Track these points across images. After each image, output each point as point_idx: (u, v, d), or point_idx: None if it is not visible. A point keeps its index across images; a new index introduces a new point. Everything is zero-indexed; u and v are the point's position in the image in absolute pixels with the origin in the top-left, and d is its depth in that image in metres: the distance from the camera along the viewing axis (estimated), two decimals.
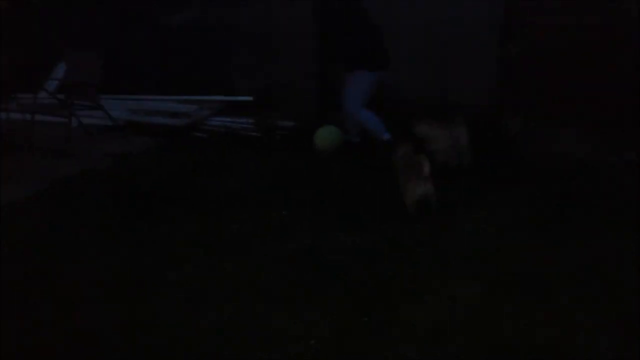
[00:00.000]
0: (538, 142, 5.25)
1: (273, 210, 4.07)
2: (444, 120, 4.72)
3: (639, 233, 3.58)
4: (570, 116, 5.36)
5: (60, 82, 6.48)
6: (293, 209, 4.09)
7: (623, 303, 2.93)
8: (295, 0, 6.06)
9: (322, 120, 5.59)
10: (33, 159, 5.22)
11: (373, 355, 2.59)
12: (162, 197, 4.30)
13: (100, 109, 5.67)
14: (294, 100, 6.29)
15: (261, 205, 4.19)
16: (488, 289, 3.07)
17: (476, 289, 3.08)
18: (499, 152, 5.15)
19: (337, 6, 5.12)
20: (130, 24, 7.13)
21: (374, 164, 4.86)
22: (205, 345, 2.67)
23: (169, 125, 6.19)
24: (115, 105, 6.51)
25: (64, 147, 5.30)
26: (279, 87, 6.31)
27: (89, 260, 3.43)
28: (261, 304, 2.98)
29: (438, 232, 3.73)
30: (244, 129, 5.95)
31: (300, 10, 6.00)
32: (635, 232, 3.60)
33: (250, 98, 6.49)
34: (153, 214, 4.01)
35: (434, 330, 2.74)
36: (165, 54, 7.06)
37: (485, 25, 5.76)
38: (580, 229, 3.73)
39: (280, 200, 4.26)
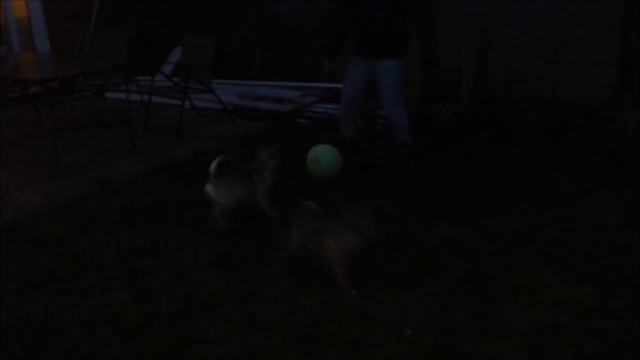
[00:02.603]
0: None
1: (370, 199, 4.10)
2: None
3: None
4: None
5: (176, 65, 6.86)
6: (391, 198, 4.11)
7: None
8: None
9: (423, 113, 5.53)
10: (148, 139, 5.58)
11: (469, 351, 2.56)
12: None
13: (212, 93, 5.92)
14: None
15: (359, 193, 4.23)
16: (592, 289, 2.93)
17: (580, 288, 2.95)
18: (615, 149, 4.88)
19: None
20: (238, 10, 7.38)
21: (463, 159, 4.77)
22: (300, 328, 2.75)
23: (274, 110, 6.38)
24: (224, 89, 6.80)
25: (177, 128, 5.60)
26: None
27: (189, 236, 3.65)
28: (357, 289, 3.03)
29: (542, 228, 3.60)
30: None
31: None
32: None
33: None
34: None
35: (535, 331, 2.66)
36: (271, 40, 7.26)
37: (604, 13, 5.42)
38: None
39: (378, 189, 4.28)
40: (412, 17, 4.63)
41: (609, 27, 5.42)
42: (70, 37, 6.62)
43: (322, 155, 4.45)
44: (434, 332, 2.68)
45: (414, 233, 3.60)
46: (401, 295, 2.96)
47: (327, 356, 2.56)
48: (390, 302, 2.92)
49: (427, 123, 5.69)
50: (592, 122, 5.32)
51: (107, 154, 5.21)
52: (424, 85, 6.15)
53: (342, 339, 2.67)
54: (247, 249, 3.48)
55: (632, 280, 3.01)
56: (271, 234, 3.60)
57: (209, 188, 3.61)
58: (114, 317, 2.87)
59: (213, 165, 3.57)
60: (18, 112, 6.09)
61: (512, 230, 3.59)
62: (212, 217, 3.66)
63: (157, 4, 7.84)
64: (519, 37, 5.79)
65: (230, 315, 2.86)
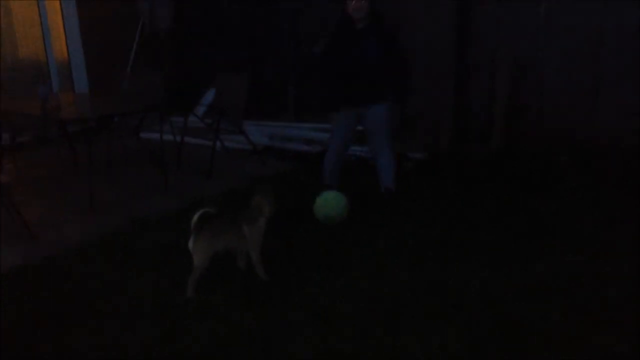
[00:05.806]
0: None
1: (401, 242, 4.09)
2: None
3: None
4: None
5: (208, 107, 7.02)
6: (422, 239, 4.08)
7: None
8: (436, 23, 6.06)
9: (453, 153, 5.47)
10: (180, 177, 5.68)
11: None
12: (293, 212, 4.48)
13: (242, 134, 6.02)
14: (427, 130, 6.26)
15: (387, 236, 4.22)
16: (625, 341, 2.86)
17: (613, 340, 2.88)
18: None
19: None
20: (272, 52, 7.56)
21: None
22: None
23: (303, 151, 6.45)
24: (256, 130, 6.91)
25: (208, 167, 5.70)
26: (412, 117, 6.27)
27: (217, 272, 3.67)
28: (390, 328, 3.00)
29: (575, 278, 3.52)
30: (372, 158, 6.03)
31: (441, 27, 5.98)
32: None
33: None
34: (280, 231, 4.15)
35: None
36: (304, 81, 7.38)
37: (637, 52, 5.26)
38: None
39: (410, 231, 4.26)
40: (395, 54, 4.49)
41: None
42: (108, 78, 6.84)
43: (334, 214, 4.40)
44: None
45: (444, 275, 3.57)
46: (432, 335, 2.92)
47: None
48: (417, 343, 2.87)
49: (458, 164, 5.67)
50: (629, 167, 5.20)
51: (140, 192, 5.31)
52: (453, 125, 6.16)
53: None
54: (274, 286, 3.48)
55: None
56: (302, 275, 3.61)
57: (189, 242, 3.38)
58: (144, 355, 2.88)
59: (194, 219, 3.36)
60: (55, 151, 6.27)
61: (543, 278, 3.53)
62: (190, 284, 3.39)
63: (192, 46, 8.08)
64: (553, 80, 5.73)
65: (260, 356, 2.85)
